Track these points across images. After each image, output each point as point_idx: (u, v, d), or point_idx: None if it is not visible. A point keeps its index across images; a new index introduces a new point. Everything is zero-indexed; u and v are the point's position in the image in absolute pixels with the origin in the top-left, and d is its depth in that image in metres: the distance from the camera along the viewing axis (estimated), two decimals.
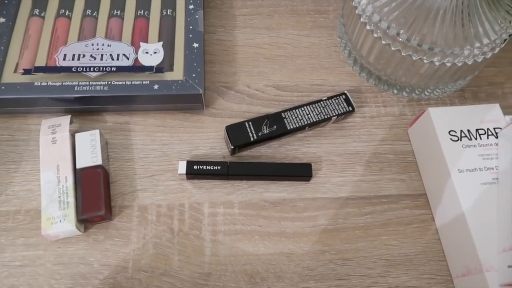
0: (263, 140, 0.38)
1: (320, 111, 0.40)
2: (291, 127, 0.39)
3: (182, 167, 0.37)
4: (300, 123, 0.39)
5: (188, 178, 0.38)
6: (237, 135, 0.38)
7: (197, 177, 0.38)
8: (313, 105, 0.40)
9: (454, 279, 0.35)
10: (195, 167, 0.37)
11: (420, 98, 0.43)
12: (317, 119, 0.39)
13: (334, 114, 0.40)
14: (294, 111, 0.40)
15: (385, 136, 0.41)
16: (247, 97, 0.42)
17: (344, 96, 0.41)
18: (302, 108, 0.40)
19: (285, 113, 0.39)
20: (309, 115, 0.39)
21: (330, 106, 0.40)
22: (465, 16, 0.36)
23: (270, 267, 0.35)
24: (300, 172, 0.38)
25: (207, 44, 0.45)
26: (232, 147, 0.37)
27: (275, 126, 0.39)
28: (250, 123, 0.38)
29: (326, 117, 0.40)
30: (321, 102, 0.40)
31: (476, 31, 0.36)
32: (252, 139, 0.38)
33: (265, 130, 0.38)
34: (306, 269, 0.35)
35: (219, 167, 0.37)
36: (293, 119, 0.39)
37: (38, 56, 0.39)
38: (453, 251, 0.35)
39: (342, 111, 0.40)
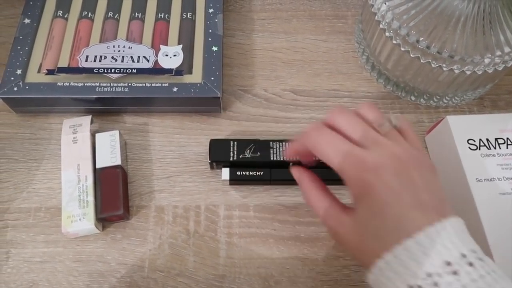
0: (243, 163, 0.37)
1: None
2: (275, 158, 0.37)
3: (225, 174, 0.37)
4: (285, 158, 0.36)
5: (230, 184, 0.38)
6: (218, 151, 0.37)
7: (238, 182, 0.38)
8: None
9: None
10: (238, 173, 0.37)
11: (438, 106, 0.43)
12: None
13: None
14: (283, 143, 0.38)
15: None
16: (264, 101, 0.43)
17: None
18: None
19: (274, 143, 0.38)
20: None
21: None
22: (486, 24, 0.35)
23: (284, 271, 0.35)
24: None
25: (226, 47, 0.45)
26: (209, 161, 0.37)
27: (259, 153, 0.37)
28: (235, 142, 0.38)
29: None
30: None
31: (497, 39, 0.36)
32: (231, 159, 0.37)
33: (247, 154, 0.37)
34: (320, 274, 0.35)
35: (261, 173, 0.37)
36: (280, 151, 0.37)
37: (61, 57, 0.40)
38: None
39: None
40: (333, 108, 0.28)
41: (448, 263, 0.22)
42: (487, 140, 0.36)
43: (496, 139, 0.36)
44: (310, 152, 0.28)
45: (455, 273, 0.22)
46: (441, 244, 0.22)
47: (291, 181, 0.37)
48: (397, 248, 0.23)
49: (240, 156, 0.37)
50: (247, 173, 0.37)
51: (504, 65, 0.36)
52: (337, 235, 0.27)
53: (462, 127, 0.37)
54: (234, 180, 0.37)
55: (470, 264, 0.22)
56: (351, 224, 0.26)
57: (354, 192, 0.26)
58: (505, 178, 0.35)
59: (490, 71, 0.37)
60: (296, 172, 0.31)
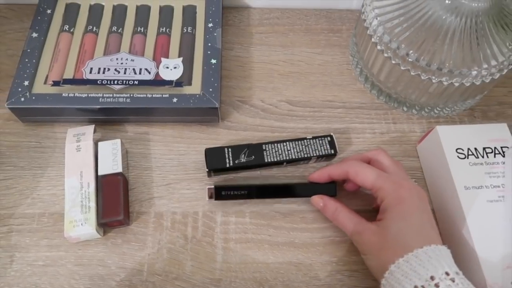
0: (239, 168, 0.39)
1: (301, 149, 0.39)
2: (269, 160, 0.39)
3: (210, 194, 0.38)
4: (278, 158, 0.39)
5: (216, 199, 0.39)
6: (214, 159, 0.38)
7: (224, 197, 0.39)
8: (296, 142, 0.40)
9: None
10: (223, 193, 0.38)
11: (429, 116, 0.44)
12: (297, 157, 0.39)
13: (314, 155, 0.39)
14: (275, 145, 0.39)
15: (394, 152, 0.42)
16: (261, 111, 0.44)
17: (329, 138, 0.40)
18: (284, 144, 0.40)
19: (266, 146, 0.39)
20: (289, 151, 0.39)
21: (312, 146, 0.40)
22: (473, 39, 0.37)
23: (278, 276, 0.36)
24: (325, 191, 0.38)
25: (224, 60, 0.47)
26: (207, 170, 0.38)
27: (253, 156, 0.39)
28: (229, 149, 0.39)
29: (306, 156, 0.39)
30: (305, 141, 0.40)
31: (484, 53, 0.37)
32: (228, 165, 0.38)
33: (243, 159, 0.38)
34: (314, 279, 0.36)
35: (246, 192, 0.38)
36: (273, 152, 0.39)
37: (66, 69, 0.42)
38: (458, 266, 0.36)
39: (323, 153, 0.39)
40: (372, 150, 0.38)
41: (447, 273, 0.29)
42: (475, 149, 0.37)
43: (484, 148, 0.37)
44: (343, 176, 0.37)
45: (452, 280, 0.29)
46: (442, 258, 0.30)
47: (274, 197, 0.39)
48: (417, 250, 0.30)
49: (236, 162, 0.38)
50: (232, 192, 0.38)
51: (491, 77, 0.38)
52: (359, 236, 0.34)
53: (451, 136, 0.38)
54: (219, 199, 0.38)
55: (453, 280, 0.29)
56: (375, 228, 0.33)
57: (387, 203, 0.33)
58: (492, 186, 0.36)
59: (477, 83, 0.38)
60: (319, 201, 0.38)
